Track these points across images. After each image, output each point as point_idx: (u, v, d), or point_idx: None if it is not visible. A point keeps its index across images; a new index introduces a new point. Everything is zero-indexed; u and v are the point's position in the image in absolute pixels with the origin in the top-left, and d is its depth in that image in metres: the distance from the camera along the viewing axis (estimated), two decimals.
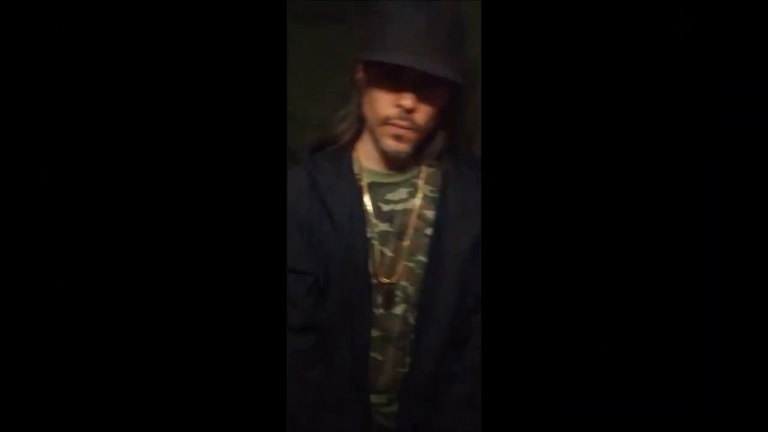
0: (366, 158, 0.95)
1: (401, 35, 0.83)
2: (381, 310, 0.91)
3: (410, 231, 0.92)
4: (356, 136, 0.96)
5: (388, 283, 0.91)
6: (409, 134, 0.88)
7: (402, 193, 0.94)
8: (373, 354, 0.91)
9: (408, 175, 0.94)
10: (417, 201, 0.93)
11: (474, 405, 0.87)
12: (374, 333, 0.91)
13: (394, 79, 0.84)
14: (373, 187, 0.94)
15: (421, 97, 0.85)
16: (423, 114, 0.87)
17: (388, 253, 0.91)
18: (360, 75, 0.90)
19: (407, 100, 0.84)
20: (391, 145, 0.88)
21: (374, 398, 0.92)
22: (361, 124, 0.94)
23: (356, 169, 0.95)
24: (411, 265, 0.91)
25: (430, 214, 0.93)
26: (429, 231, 0.92)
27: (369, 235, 0.91)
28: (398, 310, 0.91)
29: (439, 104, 0.88)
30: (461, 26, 0.86)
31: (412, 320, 0.91)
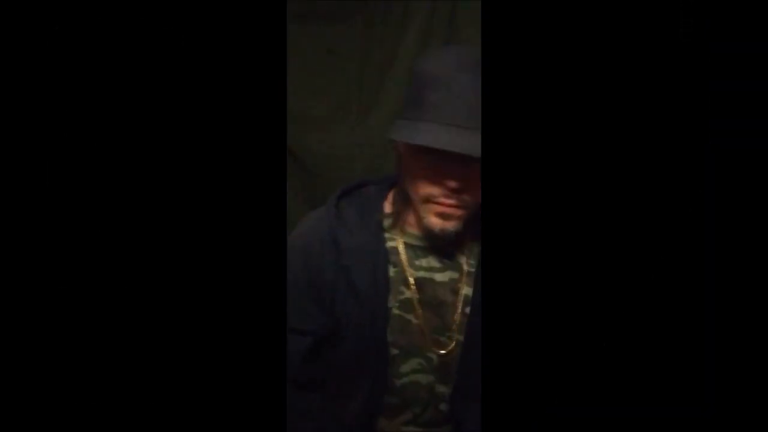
0: (405, 222, 0.85)
1: (442, 104, 0.73)
2: (403, 379, 0.84)
3: (443, 306, 0.84)
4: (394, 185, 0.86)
5: (444, 355, 0.83)
6: (458, 212, 0.78)
7: (433, 261, 0.84)
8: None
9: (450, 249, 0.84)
10: (451, 273, 0.84)
11: None
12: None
13: (435, 154, 0.73)
14: (405, 250, 0.84)
15: (470, 175, 0.75)
16: (471, 191, 0.76)
17: (414, 320, 0.83)
18: (398, 149, 0.81)
19: (452, 181, 0.75)
20: (435, 223, 0.78)
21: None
22: (404, 199, 0.83)
23: (386, 224, 0.84)
24: (453, 344, 0.83)
25: (468, 290, 0.84)
26: (468, 310, 0.84)
27: (390, 304, 0.82)
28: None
29: None
30: None
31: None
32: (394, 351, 0.83)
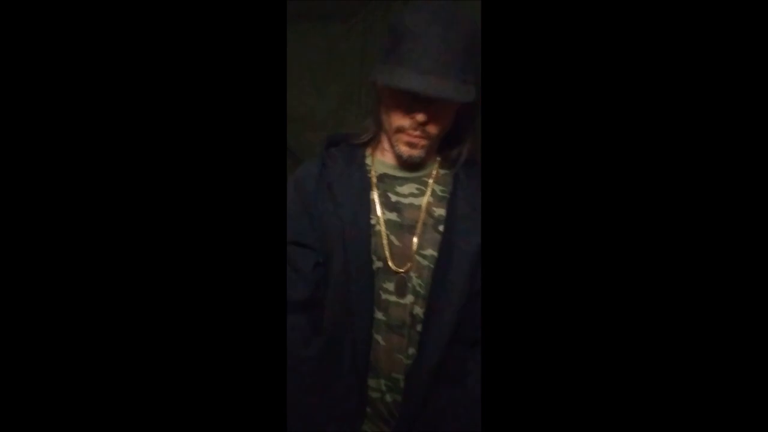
0: (381, 154, 0.99)
1: (413, 54, 0.86)
2: (391, 297, 0.92)
3: (419, 225, 0.94)
4: (374, 138, 1.00)
5: (400, 272, 0.92)
6: (422, 142, 0.92)
7: (411, 188, 0.97)
8: (375, 336, 0.92)
9: (419, 174, 0.98)
10: (426, 198, 0.96)
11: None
12: (378, 316, 0.92)
13: (407, 94, 0.87)
14: (383, 179, 0.97)
15: (434, 111, 0.90)
16: (436, 126, 0.91)
17: (396, 242, 0.93)
18: (377, 87, 0.94)
19: (420, 115, 0.89)
20: (404, 150, 0.94)
21: (372, 382, 0.93)
22: (378, 128, 0.98)
23: (369, 161, 0.99)
24: (420, 259, 0.93)
25: (440, 211, 0.95)
26: (440, 227, 0.94)
27: (373, 222, 0.94)
28: (407, 300, 0.92)
29: (452, 116, 0.93)
30: (478, 38, 0.87)
31: (419, 312, 0.92)
32: (378, 264, 0.93)
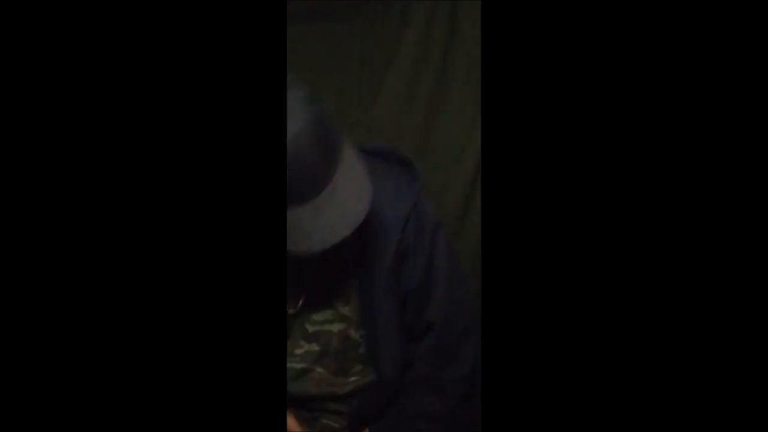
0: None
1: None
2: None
3: (339, 353, 0.93)
4: None
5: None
6: None
7: (325, 315, 0.94)
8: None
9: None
10: (340, 325, 0.93)
11: (436, 386, 0.91)
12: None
13: None
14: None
15: None
16: None
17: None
18: None
19: None
20: None
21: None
22: None
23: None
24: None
25: (354, 334, 0.93)
26: (360, 349, 0.93)
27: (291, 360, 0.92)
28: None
29: None
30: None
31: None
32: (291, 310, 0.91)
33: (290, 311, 0.91)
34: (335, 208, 0.77)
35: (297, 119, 0.76)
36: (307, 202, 0.77)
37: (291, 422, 0.91)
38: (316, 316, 0.93)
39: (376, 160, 0.93)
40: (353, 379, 0.94)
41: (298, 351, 0.93)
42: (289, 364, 0.92)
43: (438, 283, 0.92)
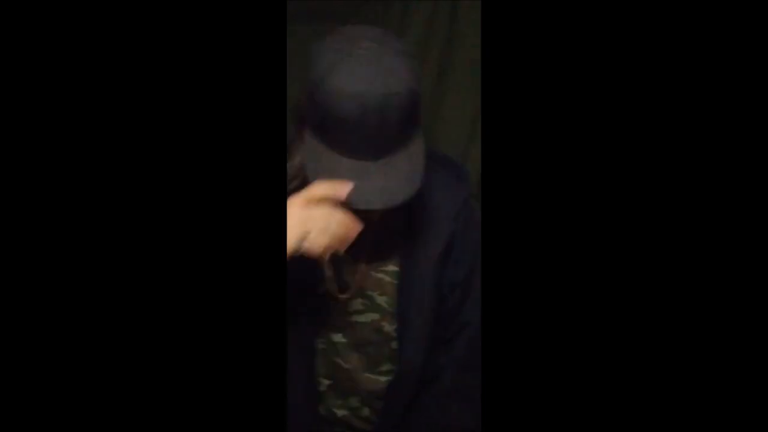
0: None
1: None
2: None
3: (369, 346, 0.91)
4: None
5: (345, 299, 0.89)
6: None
7: (357, 303, 0.91)
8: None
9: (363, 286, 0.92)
10: (373, 315, 0.91)
11: (463, 396, 0.89)
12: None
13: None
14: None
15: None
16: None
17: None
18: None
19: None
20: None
21: (352, 401, 0.91)
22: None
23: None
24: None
25: (387, 326, 0.91)
26: (392, 343, 0.90)
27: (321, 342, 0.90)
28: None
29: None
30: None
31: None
32: (327, 382, 0.92)
33: (341, 296, 0.88)
34: (403, 172, 0.76)
35: (400, 77, 0.73)
36: (381, 158, 0.75)
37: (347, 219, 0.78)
38: (348, 305, 0.90)
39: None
40: (383, 379, 0.91)
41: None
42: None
43: (478, 283, 0.89)
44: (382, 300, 0.90)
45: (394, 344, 0.90)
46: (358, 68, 0.73)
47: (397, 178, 0.75)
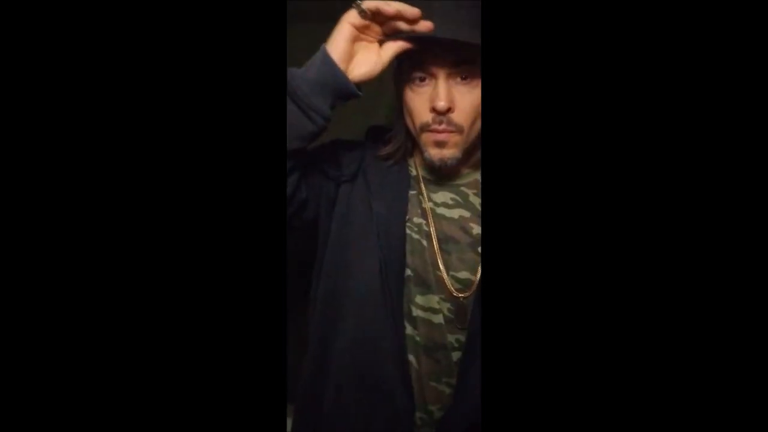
0: (420, 167, 0.90)
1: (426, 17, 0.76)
2: (422, 313, 0.83)
3: (452, 242, 0.85)
4: (409, 152, 0.90)
5: (460, 297, 0.83)
6: (452, 138, 0.81)
7: (446, 197, 0.87)
8: (409, 356, 0.83)
9: (457, 181, 0.88)
10: (461, 210, 0.86)
11: None
12: (409, 331, 0.84)
13: (424, 76, 0.80)
14: (421, 181, 0.88)
15: (456, 92, 0.80)
16: (462, 113, 0.81)
17: (424, 253, 0.84)
18: (395, 83, 0.86)
19: (440, 100, 0.79)
20: (434, 154, 0.82)
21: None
22: (409, 138, 0.89)
23: (410, 162, 0.91)
24: (452, 281, 0.84)
25: (477, 229, 0.85)
26: (479, 248, 0.84)
27: (409, 225, 0.85)
28: (438, 319, 0.84)
29: (478, 95, 0.81)
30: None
31: (458, 338, 0.83)
32: (408, 272, 0.84)
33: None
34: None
35: None
36: None
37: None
38: (420, 299, 0.84)
39: None
40: (442, 389, 0.82)
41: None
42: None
43: None
44: (474, 198, 0.86)
45: (455, 356, 0.82)
46: None
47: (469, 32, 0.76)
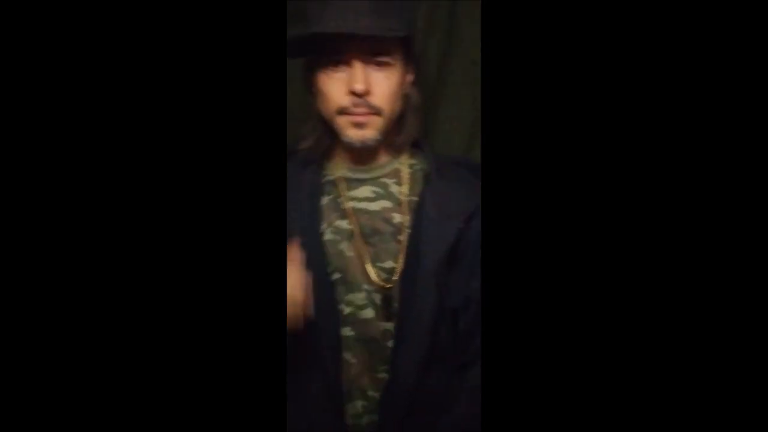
0: (339, 156, 0.90)
1: (335, 9, 0.78)
2: (358, 312, 0.85)
3: (377, 235, 0.86)
4: (329, 144, 0.89)
5: (387, 287, 0.84)
6: (371, 119, 0.82)
7: (367, 191, 0.88)
8: (345, 354, 0.85)
9: (377, 174, 0.89)
10: (383, 202, 0.88)
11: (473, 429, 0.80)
12: (346, 332, 0.85)
13: (339, 61, 0.80)
14: (337, 182, 0.88)
15: (373, 77, 0.81)
16: (379, 96, 0.82)
17: (347, 252, 0.86)
18: (306, 71, 0.85)
19: (358, 82, 0.79)
20: (353, 134, 0.83)
21: (347, 407, 0.85)
22: (327, 128, 0.87)
23: (326, 168, 0.90)
24: (377, 272, 0.85)
25: (400, 218, 0.87)
26: (400, 237, 0.86)
27: (323, 230, 0.86)
28: (369, 314, 0.86)
29: (395, 81, 0.83)
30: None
31: (389, 328, 0.85)
32: (336, 275, 0.85)
33: (388, 286, 0.84)
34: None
35: None
36: None
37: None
38: (350, 297, 0.86)
39: (447, 161, 0.92)
40: (381, 376, 0.85)
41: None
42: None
43: None
44: (395, 188, 0.87)
45: (390, 344, 0.85)
46: None
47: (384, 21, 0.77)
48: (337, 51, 0.81)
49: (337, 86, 0.82)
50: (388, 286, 0.85)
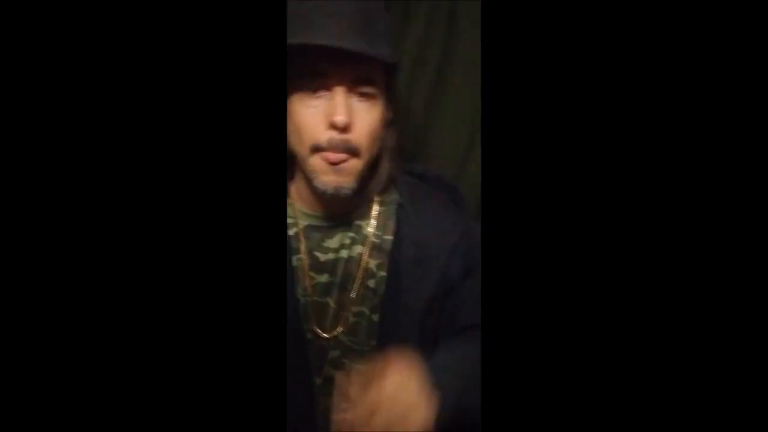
0: (301, 201, 0.81)
1: (323, 20, 0.70)
2: (331, 370, 0.81)
3: (355, 282, 0.80)
4: (289, 178, 0.80)
5: (325, 338, 0.80)
6: (351, 163, 0.73)
7: (343, 238, 0.81)
8: (319, 398, 0.81)
9: (349, 217, 0.81)
10: (359, 248, 0.81)
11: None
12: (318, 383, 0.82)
13: (318, 87, 0.71)
14: (308, 234, 0.80)
15: (356, 108, 0.72)
16: (360, 133, 0.73)
17: (332, 304, 0.81)
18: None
19: (339, 114, 0.70)
20: (327, 181, 0.73)
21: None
22: (291, 162, 0.78)
23: (289, 213, 0.81)
24: (353, 318, 0.80)
25: (372, 263, 0.80)
26: (371, 283, 0.80)
27: (300, 292, 0.79)
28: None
29: (377, 117, 0.74)
30: (388, 23, 0.75)
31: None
32: (308, 335, 0.80)
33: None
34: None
35: None
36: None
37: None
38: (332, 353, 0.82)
39: (417, 180, 0.86)
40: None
41: None
42: None
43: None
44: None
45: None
46: None
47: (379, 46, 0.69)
48: (318, 72, 0.71)
49: (314, 117, 0.72)
50: (326, 335, 0.79)
